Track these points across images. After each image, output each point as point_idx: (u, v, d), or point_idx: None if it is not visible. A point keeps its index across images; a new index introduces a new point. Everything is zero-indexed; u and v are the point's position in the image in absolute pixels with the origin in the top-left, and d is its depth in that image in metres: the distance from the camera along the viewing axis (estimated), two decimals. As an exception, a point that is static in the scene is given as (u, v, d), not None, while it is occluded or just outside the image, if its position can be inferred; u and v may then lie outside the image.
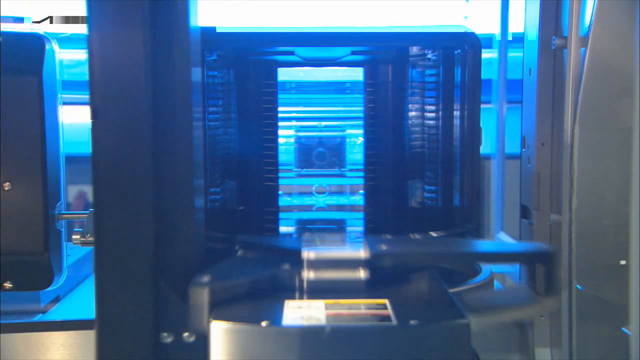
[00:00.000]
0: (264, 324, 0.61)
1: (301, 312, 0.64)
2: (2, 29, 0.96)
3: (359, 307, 0.65)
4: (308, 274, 0.69)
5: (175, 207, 0.66)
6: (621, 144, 0.79)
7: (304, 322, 0.62)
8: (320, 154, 1.24)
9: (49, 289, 0.97)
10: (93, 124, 0.63)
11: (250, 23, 1.57)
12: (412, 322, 0.61)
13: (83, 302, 1.22)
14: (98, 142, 0.64)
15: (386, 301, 0.66)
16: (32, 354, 1.05)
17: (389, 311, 0.64)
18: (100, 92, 0.63)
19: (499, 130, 1.27)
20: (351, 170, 1.24)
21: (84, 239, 0.90)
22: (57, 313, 1.17)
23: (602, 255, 0.85)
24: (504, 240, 1.26)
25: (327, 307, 0.65)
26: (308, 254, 0.70)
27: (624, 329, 0.73)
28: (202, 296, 0.63)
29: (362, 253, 0.70)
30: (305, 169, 1.23)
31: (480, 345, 1.03)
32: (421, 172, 1.20)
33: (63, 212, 0.97)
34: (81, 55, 1.36)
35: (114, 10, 0.62)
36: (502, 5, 1.26)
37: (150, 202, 0.64)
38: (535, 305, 0.72)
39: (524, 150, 1.06)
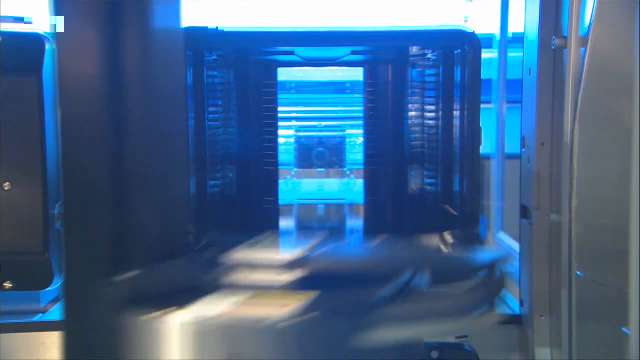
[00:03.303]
0: None
1: None
2: (2, 29, 0.96)
3: None
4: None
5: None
6: (621, 144, 0.79)
7: None
8: (320, 154, 1.24)
9: (49, 289, 0.97)
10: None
11: (250, 23, 1.57)
12: None
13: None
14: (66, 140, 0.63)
15: None
16: (32, 354, 1.05)
17: None
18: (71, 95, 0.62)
19: (499, 130, 1.27)
20: (351, 170, 1.24)
21: (84, 239, 0.90)
22: (57, 313, 1.17)
23: (601, 254, 0.85)
24: (504, 240, 1.26)
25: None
26: None
27: (624, 329, 0.73)
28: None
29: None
30: (305, 169, 1.23)
31: (481, 345, 1.03)
32: (421, 172, 1.20)
33: (63, 212, 0.97)
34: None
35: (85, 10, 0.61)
36: (502, 5, 1.26)
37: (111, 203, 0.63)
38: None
39: (524, 150, 1.05)
